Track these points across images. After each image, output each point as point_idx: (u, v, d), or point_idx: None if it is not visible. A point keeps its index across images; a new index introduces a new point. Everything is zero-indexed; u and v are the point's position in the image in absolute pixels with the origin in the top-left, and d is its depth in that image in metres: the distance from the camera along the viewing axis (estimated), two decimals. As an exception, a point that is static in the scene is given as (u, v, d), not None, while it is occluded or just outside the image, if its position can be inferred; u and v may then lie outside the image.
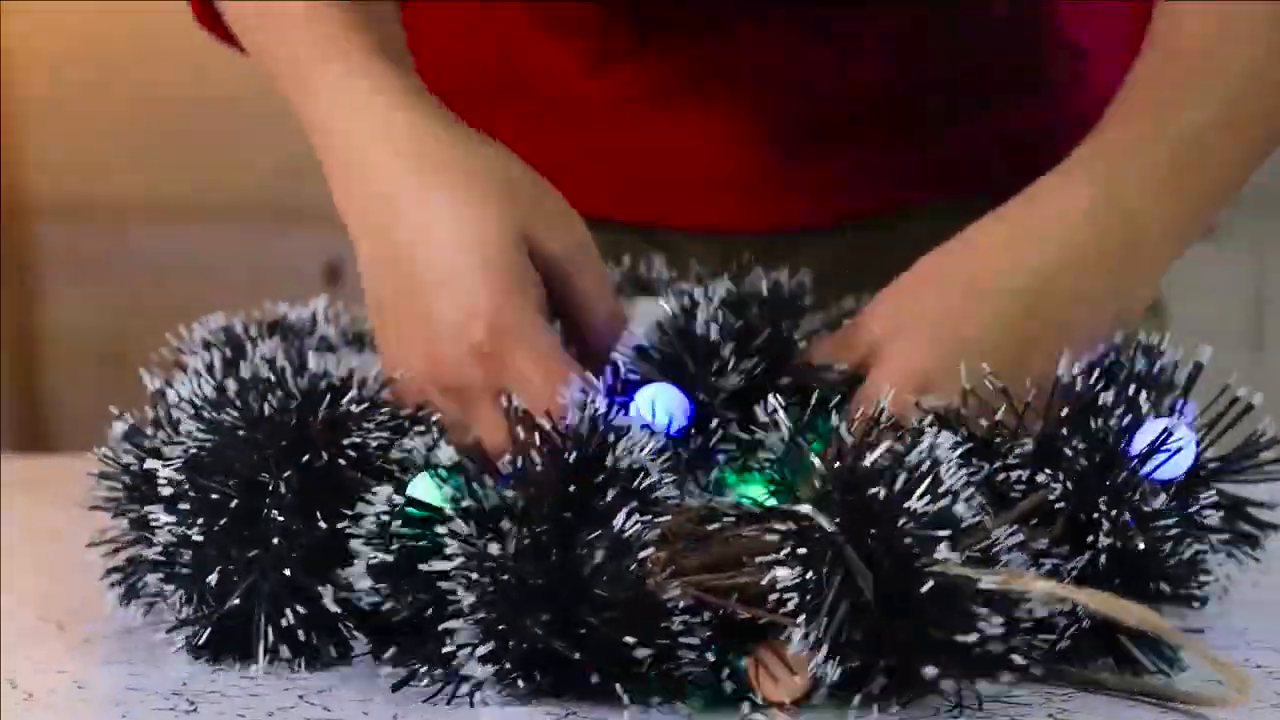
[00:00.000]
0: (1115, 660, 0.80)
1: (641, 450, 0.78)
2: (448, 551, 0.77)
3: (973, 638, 0.72)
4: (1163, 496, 0.81)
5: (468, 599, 0.76)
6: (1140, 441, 0.81)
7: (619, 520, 0.75)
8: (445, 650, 0.77)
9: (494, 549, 0.76)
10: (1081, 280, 0.88)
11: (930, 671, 0.73)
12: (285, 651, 0.82)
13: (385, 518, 0.79)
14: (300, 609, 0.81)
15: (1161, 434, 0.81)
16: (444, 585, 0.77)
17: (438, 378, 0.86)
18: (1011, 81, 1.14)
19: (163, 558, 0.84)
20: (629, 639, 0.74)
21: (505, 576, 0.76)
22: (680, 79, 1.12)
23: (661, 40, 1.12)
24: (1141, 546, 0.79)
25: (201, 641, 0.83)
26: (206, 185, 1.88)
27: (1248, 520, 0.87)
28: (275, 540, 0.81)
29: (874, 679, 0.74)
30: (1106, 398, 0.82)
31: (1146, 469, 0.81)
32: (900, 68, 1.13)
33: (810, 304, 0.96)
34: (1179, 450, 0.81)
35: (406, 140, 0.88)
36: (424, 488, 0.80)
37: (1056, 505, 0.80)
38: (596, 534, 0.76)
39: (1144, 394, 0.82)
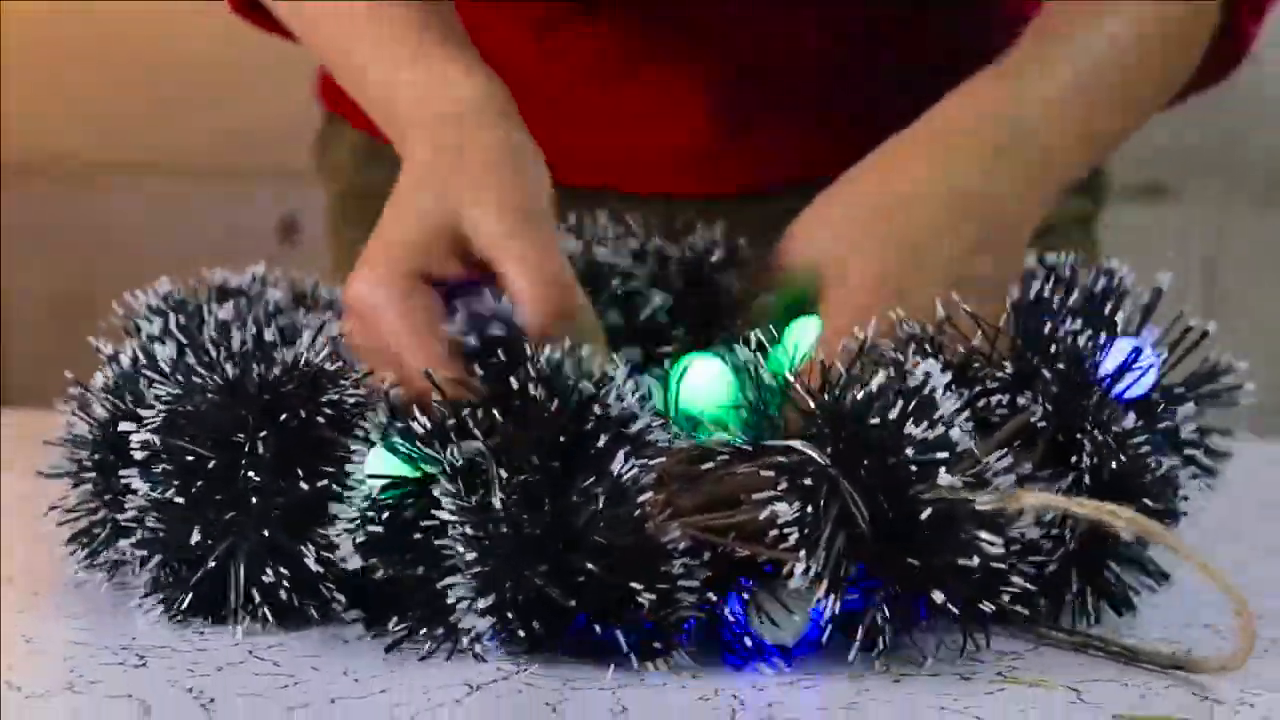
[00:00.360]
0: (1099, 586, 0.81)
1: (631, 395, 0.78)
2: (444, 507, 0.77)
3: (975, 561, 0.73)
4: (1131, 415, 0.82)
5: (465, 554, 0.76)
6: (1110, 362, 0.82)
7: (616, 465, 0.75)
8: (447, 603, 0.76)
9: (488, 502, 0.76)
10: (990, 182, 0.91)
11: (939, 596, 0.73)
12: (267, 613, 0.82)
13: (366, 503, 0.79)
14: (281, 569, 0.81)
15: (1131, 353, 0.82)
16: (439, 543, 0.77)
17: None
18: (963, 57, 1.14)
19: (134, 523, 0.83)
20: (632, 584, 0.74)
21: (501, 528, 0.75)
22: (625, 48, 1.13)
23: (607, 9, 1.12)
24: (1119, 465, 0.80)
25: (182, 606, 0.83)
26: (159, 144, 1.87)
27: (1204, 449, 0.89)
28: (253, 500, 0.81)
29: (875, 613, 0.74)
30: (1075, 320, 0.83)
31: (1118, 389, 0.82)
32: (850, 40, 1.13)
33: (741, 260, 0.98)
34: (1148, 369, 0.83)
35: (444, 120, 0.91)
36: (379, 462, 0.80)
37: (1038, 426, 0.81)
38: (592, 480, 0.75)
39: (1118, 315, 0.84)
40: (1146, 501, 0.80)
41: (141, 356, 0.87)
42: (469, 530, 0.76)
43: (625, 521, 0.75)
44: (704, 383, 0.83)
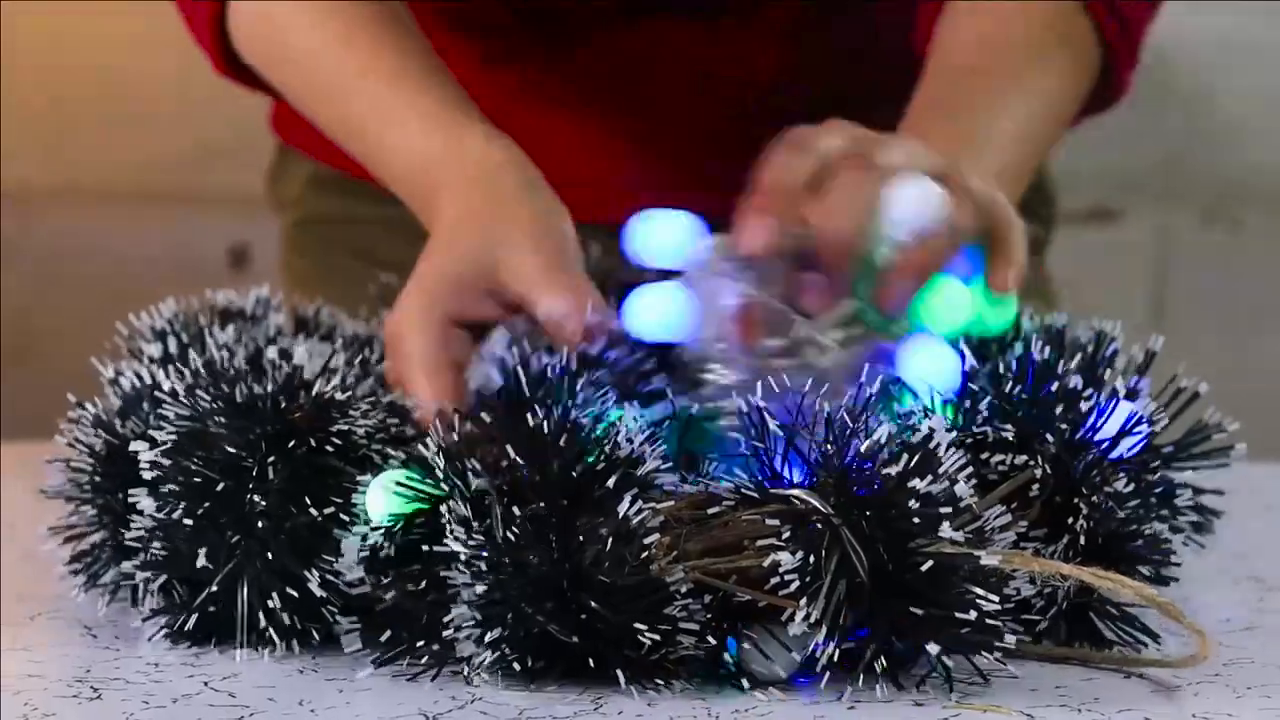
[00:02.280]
0: (1092, 639, 0.83)
1: (639, 438, 0.79)
2: (453, 537, 0.78)
3: (971, 615, 0.74)
4: (1124, 478, 0.83)
5: (470, 585, 0.77)
6: (1110, 425, 0.84)
7: (623, 507, 0.76)
8: (446, 635, 0.77)
9: (494, 536, 0.77)
10: None
11: (934, 648, 0.75)
12: (273, 636, 0.82)
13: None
14: (288, 591, 0.82)
15: (1130, 418, 0.84)
16: (444, 573, 0.78)
17: None
18: (909, 82, 1.16)
19: (140, 544, 0.84)
20: (636, 624, 0.75)
21: (507, 563, 0.76)
22: (569, 80, 1.14)
23: (550, 42, 1.14)
24: (1113, 528, 0.82)
25: (186, 628, 0.83)
26: (108, 170, 1.85)
27: (1194, 506, 0.90)
28: (260, 525, 0.82)
29: (871, 656, 0.76)
30: (1077, 381, 0.84)
31: (1116, 452, 0.83)
32: (801, 73, 1.14)
33: None
34: (1147, 435, 0.85)
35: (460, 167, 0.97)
36: (377, 498, 0.81)
37: (1034, 488, 0.83)
38: (599, 520, 0.76)
39: (1119, 379, 0.85)
40: (1139, 567, 0.82)
41: (147, 379, 0.87)
42: (475, 563, 0.77)
43: (629, 562, 0.76)
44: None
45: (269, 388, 0.83)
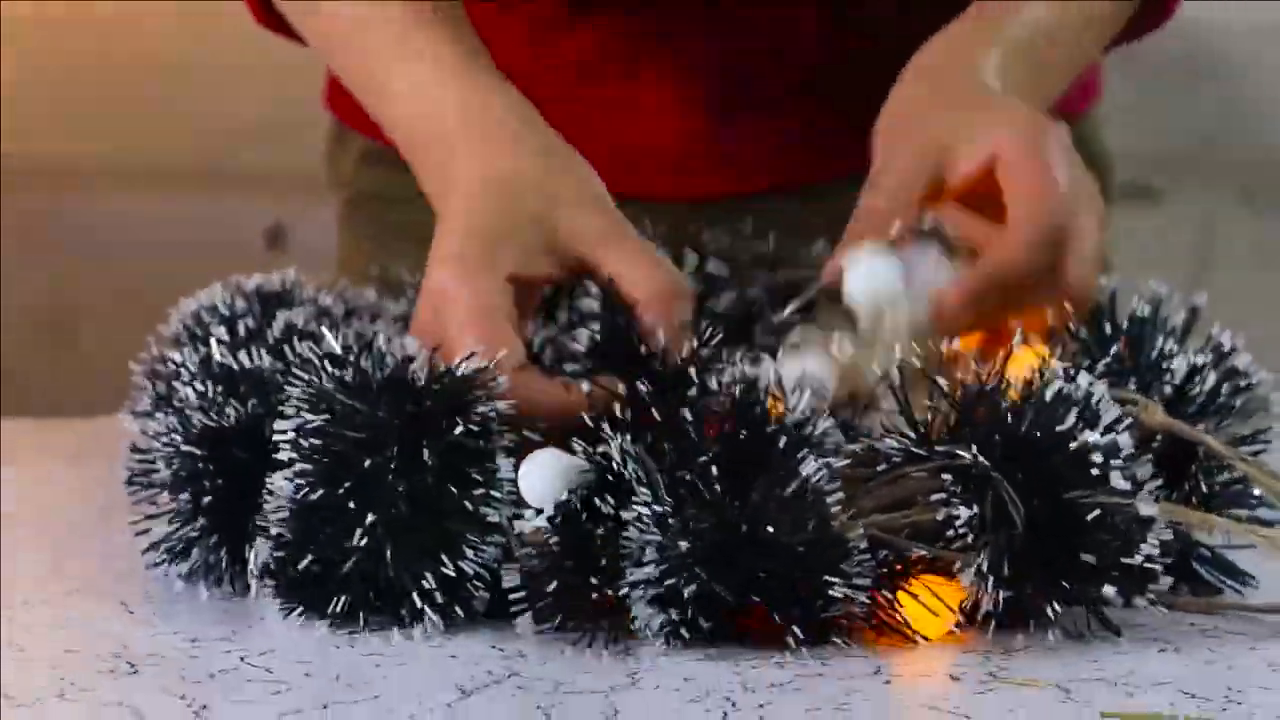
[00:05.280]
0: (1189, 583, 0.87)
1: (802, 399, 0.81)
2: (631, 505, 0.78)
3: (1138, 559, 0.78)
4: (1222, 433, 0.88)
5: (645, 552, 0.78)
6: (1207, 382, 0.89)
7: (806, 468, 0.78)
8: (620, 595, 0.78)
9: (667, 503, 0.78)
10: None
11: (1109, 591, 0.78)
12: (430, 615, 0.82)
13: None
14: (433, 571, 0.81)
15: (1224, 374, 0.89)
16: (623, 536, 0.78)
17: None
18: None
19: (277, 525, 0.83)
20: (827, 578, 0.77)
21: (684, 525, 0.77)
22: (616, 51, 1.15)
23: (595, 12, 1.15)
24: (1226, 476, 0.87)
25: (336, 609, 0.82)
26: (142, 150, 1.85)
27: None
28: (403, 507, 0.81)
29: (1036, 606, 0.79)
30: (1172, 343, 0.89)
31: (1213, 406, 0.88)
32: (831, 37, 1.16)
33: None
34: (1248, 387, 0.89)
35: (476, 114, 0.96)
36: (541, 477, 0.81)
37: (1156, 440, 0.86)
38: (779, 479, 0.78)
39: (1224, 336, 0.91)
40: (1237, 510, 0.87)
41: (229, 360, 0.87)
42: (651, 529, 0.78)
43: (809, 521, 0.77)
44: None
45: (399, 370, 0.82)
